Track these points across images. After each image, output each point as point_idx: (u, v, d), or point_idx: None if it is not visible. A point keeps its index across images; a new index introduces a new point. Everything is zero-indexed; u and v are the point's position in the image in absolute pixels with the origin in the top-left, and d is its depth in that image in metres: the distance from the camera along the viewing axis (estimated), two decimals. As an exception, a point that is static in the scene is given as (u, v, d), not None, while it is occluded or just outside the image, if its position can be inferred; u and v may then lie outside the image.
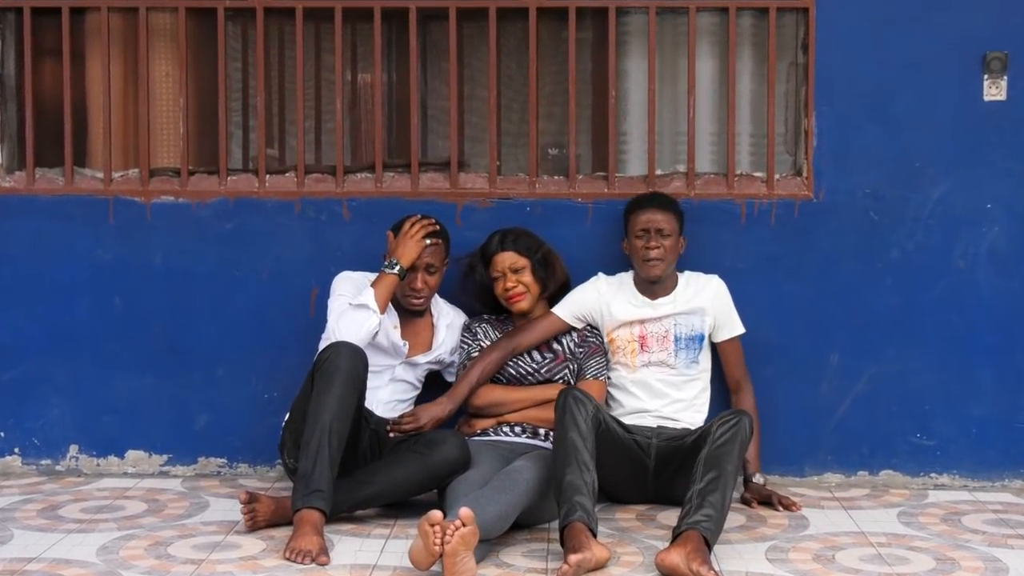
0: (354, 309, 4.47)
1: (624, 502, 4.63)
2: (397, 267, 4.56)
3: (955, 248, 4.93)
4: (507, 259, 4.72)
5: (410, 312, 4.72)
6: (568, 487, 4.02)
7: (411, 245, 4.60)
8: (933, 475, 4.98)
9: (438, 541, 3.72)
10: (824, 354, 4.96)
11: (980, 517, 4.56)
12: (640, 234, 4.65)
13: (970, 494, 4.88)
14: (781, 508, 4.58)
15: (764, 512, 4.57)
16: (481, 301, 4.84)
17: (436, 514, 3.75)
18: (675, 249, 4.69)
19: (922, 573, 3.96)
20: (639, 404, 4.68)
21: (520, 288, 4.71)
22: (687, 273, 4.78)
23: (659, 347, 4.68)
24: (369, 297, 4.50)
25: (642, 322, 4.70)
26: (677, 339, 4.68)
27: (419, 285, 4.64)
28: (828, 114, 4.91)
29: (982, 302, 4.93)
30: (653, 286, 4.70)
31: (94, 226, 5.01)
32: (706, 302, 4.71)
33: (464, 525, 3.73)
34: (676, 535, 3.94)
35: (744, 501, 4.63)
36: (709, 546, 3.91)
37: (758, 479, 4.68)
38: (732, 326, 4.75)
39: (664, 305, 4.71)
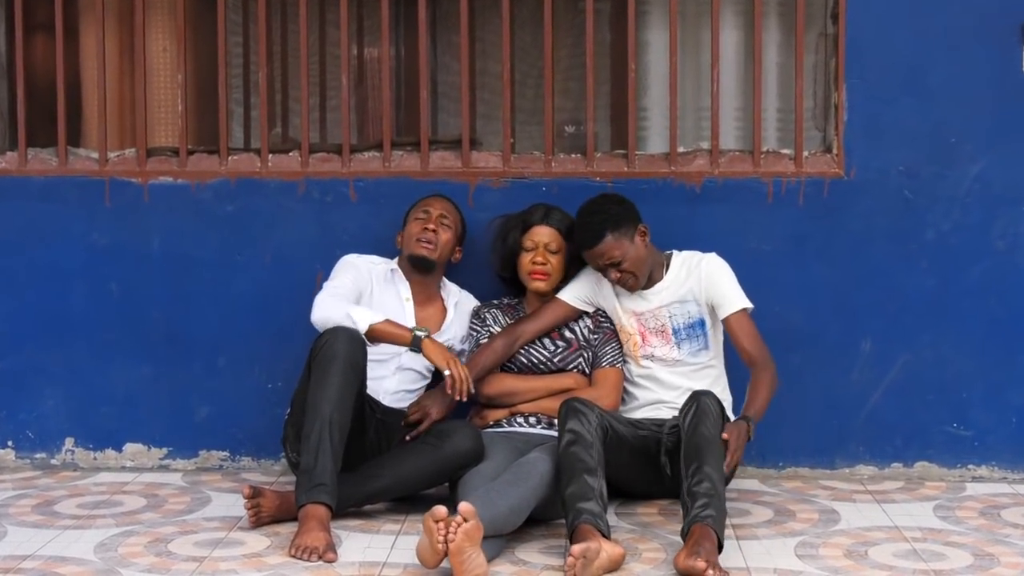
0: (337, 309, 4.39)
1: (648, 498, 4.63)
2: (424, 334, 4.39)
3: (994, 228, 4.91)
4: (546, 235, 4.71)
5: (420, 285, 4.70)
6: (570, 498, 4.03)
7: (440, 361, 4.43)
8: (971, 467, 4.97)
9: (441, 538, 3.73)
10: (856, 340, 4.95)
11: (1020, 511, 4.56)
12: (602, 269, 4.60)
13: (1010, 486, 4.87)
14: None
15: (793, 506, 4.56)
16: (501, 262, 4.81)
17: (440, 510, 3.76)
18: (637, 256, 4.57)
19: (959, 569, 3.95)
20: (653, 396, 4.67)
21: (548, 267, 4.70)
22: (683, 255, 4.71)
23: (659, 341, 4.65)
24: (366, 318, 4.37)
25: (636, 315, 4.68)
26: (676, 331, 4.65)
27: (432, 225, 4.66)
28: (859, 87, 4.89)
29: (1023, 285, 4.91)
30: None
31: (89, 209, 5.02)
32: (694, 284, 4.64)
33: (465, 520, 3.74)
34: (684, 536, 3.96)
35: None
36: (718, 534, 3.92)
37: (741, 422, 4.30)
38: (730, 302, 4.58)
39: (654, 295, 4.68)
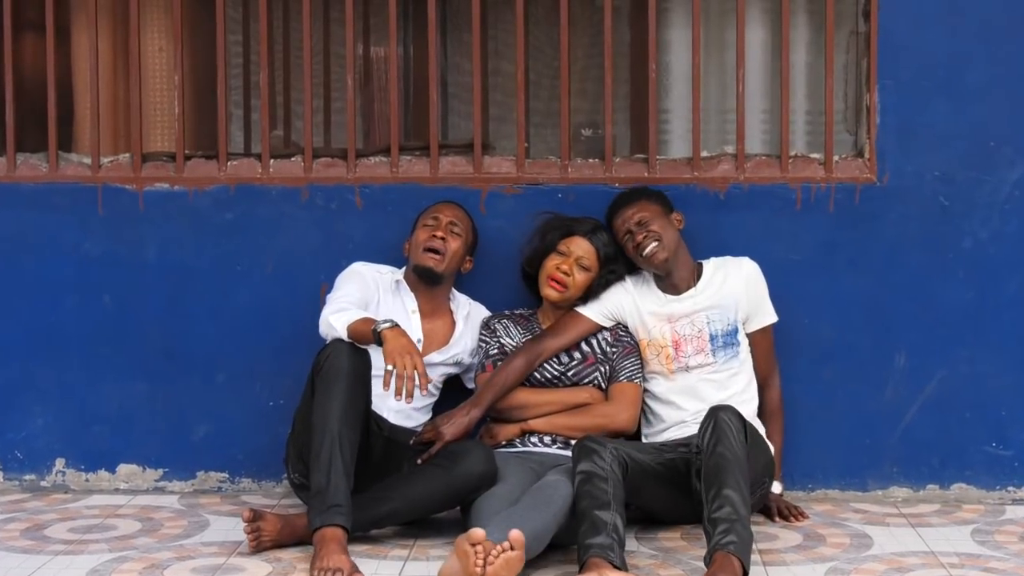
0: (333, 318, 4.37)
1: (685, 523, 4.62)
2: (387, 325, 4.24)
3: (1035, 237, 4.92)
4: (584, 249, 4.72)
5: (427, 297, 4.71)
6: (581, 537, 4.03)
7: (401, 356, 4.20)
8: (1011, 489, 4.97)
9: (480, 563, 3.72)
10: (889, 354, 4.95)
11: (1064, 535, 4.56)
12: (626, 236, 4.67)
13: (1053, 510, 4.88)
14: (781, 520, 4.62)
15: (823, 530, 4.57)
16: (530, 255, 4.81)
17: (479, 532, 3.76)
18: (667, 227, 4.66)
19: (999, 597, 3.96)
20: (679, 415, 4.67)
21: (570, 280, 4.70)
22: (715, 260, 4.77)
23: (694, 349, 4.66)
24: (343, 321, 4.32)
25: (672, 321, 4.70)
26: (713, 337, 4.67)
27: (440, 233, 4.65)
28: (892, 88, 4.90)
29: (1065, 296, 4.92)
30: (672, 279, 4.70)
31: (81, 217, 5.04)
32: (738, 289, 4.69)
33: (512, 549, 3.74)
34: (707, 564, 3.96)
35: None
36: (742, 560, 3.92)
37: (776, 488, 4.68)
38: (764, 315, 4.74)
39: (690, 299, 4.70)
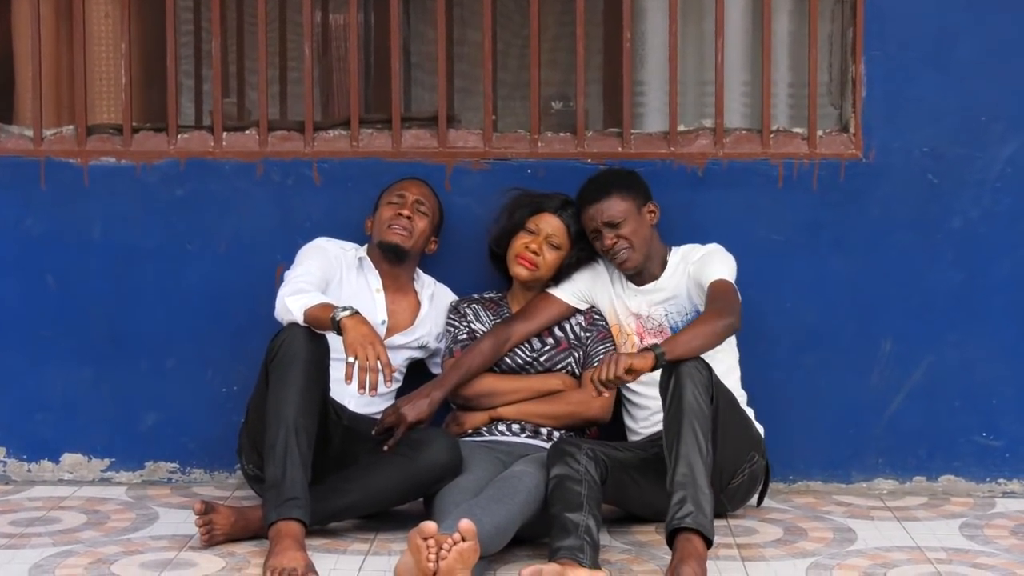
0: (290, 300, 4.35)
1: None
2: (347, 313, 4.20)
3: (1027, 216, 4.95)
4: (554, 226, 4.72)
5: (392, 275, 4.71)
6: (552, 540, 4.03)
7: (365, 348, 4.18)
8: (1001, 481, 5.00)
9: (432, 557, 3.74)
10: (874, 340, 4.97)
11: (1056, 529, 4.60)
12: (594, 235, 4.66)
13: (1045, 502, 4.92)
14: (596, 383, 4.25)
15: (804, 524, 4.59)
16: (498, 235, 4.80)
17: (430, 526, 3.77)
18: (639, 228, 4.63)
19: (988, 593, 3.99)
20: (658, 405, 4.65)
21: (540, 260, 4.70)
22: (684, 248, 4.74)
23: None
24: (299, 305, 4.29)
25: (633, 312, 4.71)
26: (674, 329, 4.65)
27: (407, 212, 4.65)
28: (879, 59, 4.92)
29: (1059, 279, 4.95)
30: (640, 273, 4.70)
31: (22, 192, 5.02)
32: (683, 275, 4.66)
33: (464, 540, 3.75)
34: (669, 543, 3.99)
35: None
36: (702, 532, 3.95)
37: (651, 347, 4.22)
38: (711, 272, 4.52)
39: (650, 292, 4.70)
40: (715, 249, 4.67)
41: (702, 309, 4.56)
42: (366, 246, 4.81)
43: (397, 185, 4.79)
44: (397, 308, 4.76)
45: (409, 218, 4.69)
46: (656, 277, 4.70)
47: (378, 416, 4.61)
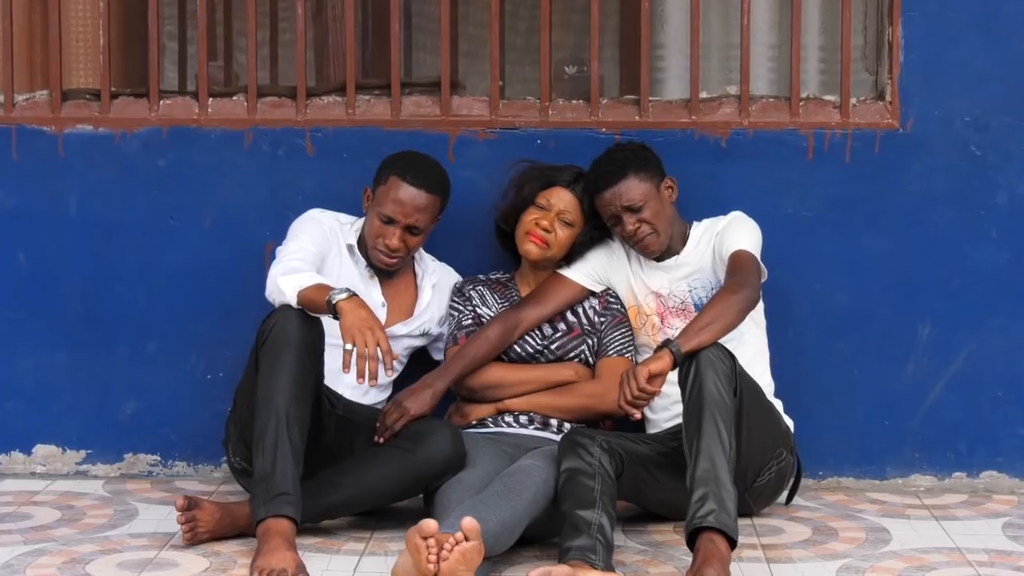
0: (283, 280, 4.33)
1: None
2: (344, 296, 4.19)
3: (1078, 191, 4.94)
4: (566, 201, 4.71)
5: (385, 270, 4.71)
6: (562, 539, 4.03)
7: (363, 333, 4.14)
8: (1048, 477, 5.01)
9: (432, 558, 3.74)
10: (912, 325, 4.97)
11: (1106, 529, 4.59)
12: (612, 220, 4.64)
13: (1094, 501, 4.92)
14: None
15: (835, 523, 4.59)
16: (506, 211, 4.80)
17: (430, 524, 3.77)
18: (660, 209, 4.61)
19: (1033, 599, 3.99)
20: (677, 393, 4.63)
21: (551, 237, 4.69)
22: (705, 222, 4.74)
23: (680, 322, 4.63)
24: (292, 285, 4.27)
25: (654, 290, 4.69)
26: (698, 307, 4.64)
27: (395, 243, 4.60)
28: (919, 21, 4.91)
29: (1111, 259, 4.95)
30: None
31: (-8, 163, 5.03)
32: (708, 246, 4.66)
33: (467, 539, 3.75)
34: (690, 544, 3.98)
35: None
36: (726, 532, 3.94)
37: (665, 344, 4.22)
38: (732, 242, 4.53)
39: (673, 268, 4.69)
40: (737, 216, 4.68)
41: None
42: (360, 225, 4.75)
43: (393, 191, 4.58)
44: (396, 293, 4.74)
45: (398, 247, 4.60)
46: (677, 252, 4.69)
47: (376, 406, 4.62)
